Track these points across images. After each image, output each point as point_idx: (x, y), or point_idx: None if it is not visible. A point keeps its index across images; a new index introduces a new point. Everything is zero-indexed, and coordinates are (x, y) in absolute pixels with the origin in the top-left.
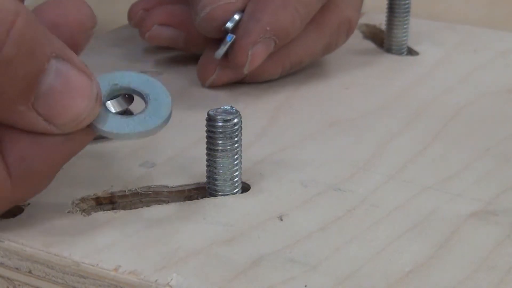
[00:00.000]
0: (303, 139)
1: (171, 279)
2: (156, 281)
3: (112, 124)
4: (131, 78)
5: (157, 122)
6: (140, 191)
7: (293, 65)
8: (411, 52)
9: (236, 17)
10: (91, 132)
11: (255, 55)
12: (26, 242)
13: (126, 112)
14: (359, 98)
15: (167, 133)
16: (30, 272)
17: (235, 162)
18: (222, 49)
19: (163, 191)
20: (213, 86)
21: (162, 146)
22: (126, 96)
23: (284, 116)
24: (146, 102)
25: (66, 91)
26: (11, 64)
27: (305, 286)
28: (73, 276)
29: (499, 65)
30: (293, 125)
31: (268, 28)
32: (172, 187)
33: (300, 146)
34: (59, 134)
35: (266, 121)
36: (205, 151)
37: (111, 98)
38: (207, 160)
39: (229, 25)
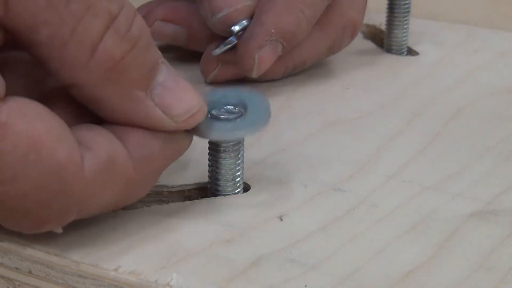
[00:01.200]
0: (303, 139)
1: (171, 279)
2: (156, 281)
3: (216, 127)
4: (227, 93)
5: (256, 126)
6: None
7: (296, 66)
8: (411, 52)
9: (245, 22)
10: (191, 136)
11: (262, 59)
12: (26, 242)
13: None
14: (359, 98)
15: None
16: (30, 272)
17: (238, 162)
18: (221, 49)
19: (163, 191)
20: (216, 82)
21: None
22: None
23: (284, 116)
24: (245, 110)
25: (178, 87)
26: (136, 45)
27: (305, 286)
28: (73, 276)
29: (499, 65)
30: (293, 125)
31: (273, 31)
32: (172, 187)
33: (300, 146)
34: (171, 129)
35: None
36: (207, 151)
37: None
38: (209, 160)
39: (235, 28)
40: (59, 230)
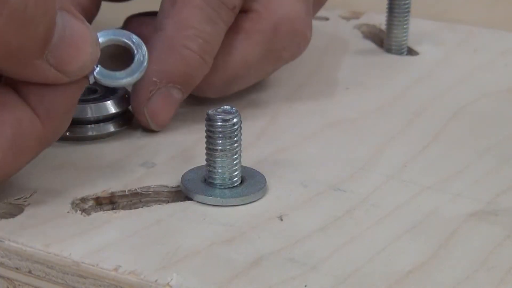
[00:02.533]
0: (303, 139)
1: (171, 279)
2: (156, 281)
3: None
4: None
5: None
6: (140, 191)
7: (228, 81)
8: (411, 52)
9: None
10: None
11: (154, 112)
12: (26, 242)
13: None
14: (359, 98)
15: (167, 133)
16: (30, 272)
17: (235, 162)
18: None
19: (163, 191)
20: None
21: (162, 146)
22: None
23: (284, 116)
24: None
25: (73, 41)
26: (32, 22)
27: (305, 286)
28: (73, 276)
29: (499, 65)
30: (293, 125)
31: (155, 79)
32: (172, 187)
33: (300, 146)
34: (65, 82)
35: (266, 121)
36: (205, 151)
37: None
38: (206, 160)
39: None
40: None
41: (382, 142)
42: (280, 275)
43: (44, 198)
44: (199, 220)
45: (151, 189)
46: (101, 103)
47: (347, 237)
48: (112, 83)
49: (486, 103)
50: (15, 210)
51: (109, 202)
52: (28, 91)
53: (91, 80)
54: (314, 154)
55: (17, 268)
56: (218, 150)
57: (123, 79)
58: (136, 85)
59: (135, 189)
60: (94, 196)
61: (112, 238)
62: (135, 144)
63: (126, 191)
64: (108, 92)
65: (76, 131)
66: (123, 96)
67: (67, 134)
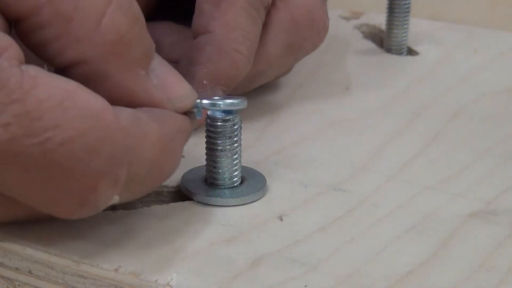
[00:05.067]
0: (303, 139)
1: (171, 279)
2: (156, 281)
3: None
4: None
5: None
6: None
7: (251, 77)
8: (411, 52)
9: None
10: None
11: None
12: (26, 242)
13: None
14: (359, 98)
15: None
16: (30, 272)
17: (235, 162)
18: None
19: (163, 191)
20: None
21: None
22: None
23: (284, 116)
24: None
25: (172, 72)
26: (138, 21)
27: (305, 286)
28: (73, 276)
29: (499, 65)
30: (293, 125)
31: (205, 82)
32: (172, 187)
33: (300, 146)
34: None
35: (266, 121)
36: (205, 151)
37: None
38: (206, 160)
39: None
40: (116, 198)
41: (382, 142)
42: (280, 275)
43: None
44: (199, 220)
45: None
46: None
47: (347, 237)
48: (230, 106)
49: (486, 103)
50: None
51: None
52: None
53: (198, 116)
54: (314, 154)
55: (17, 268)
56: (218, 150)
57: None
58: None
59: None
60: None
61: (112, 238)
62: None
63: None
64: None
65: None
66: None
67: None
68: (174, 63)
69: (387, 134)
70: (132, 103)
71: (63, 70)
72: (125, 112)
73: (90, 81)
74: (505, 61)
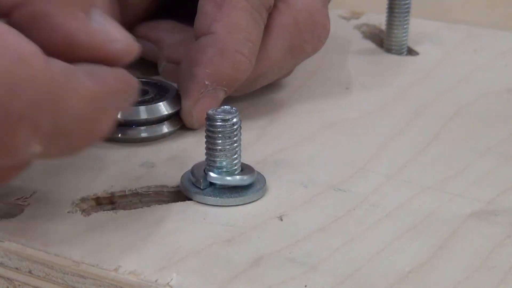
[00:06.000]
0: (303, 139)
1: (171, 279)
2: (156, 281)
3: None
4: None
5: None
6: (140, 191)
7: (253, 79)
8: (411, 52)
9: None
10: None
11: (200, 112)
12: (26, 242)
13: None
14: (359, 98)
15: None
16: (30, 272)
17: (234, 162)
18: None
19: (163, 191)
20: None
21: (162, 146)
22: None
23: (284, 116)
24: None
25: (112, 21)
26: None
27: (305, 286)
28: (73, 276)
29: (499, 65)
30: (293, 125)
31: (207, 83)
32: (172, 187)
33: (300, 146)
34: (112, 55)
35: (266, 121)
36: (205, 151)
37: None
38: (206, 160)
39: None
40: (37, 148)
41: (382, 142)
42: (280, 275)
43: (44, 198)
44: (199, 220)
45: (151, 189)
46: (153, 105)
47: (347, 237)
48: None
49: (486, 103)
50: (15, 210)
51: (109, 202)
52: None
53: None
54: (314, 154)
55: (17, 268)
56: (218, 150)
57: None
58: (187, 86)
59: (135, 189)
60: (94, 196)
61: (112, 238)
62: (135, 144)
63: (126, 191)
64: (160, 94)
65: (128, 133)
66: (175, 97)
67: (119, 135)
68: (176, 63)
69: (387, 134)
70: (72, 48)
71: (5, 16)
72: (58, 63)
73: (30, 26)
74: (505, 61)
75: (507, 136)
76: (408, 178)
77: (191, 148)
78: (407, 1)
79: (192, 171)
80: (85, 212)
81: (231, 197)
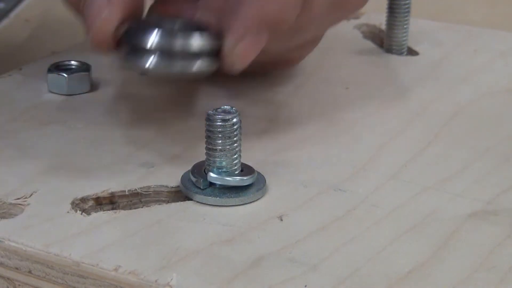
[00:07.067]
0: (303, 139)
1: (171, 279)
2: (156, 281)
3: None
4: None
5: None
6: (140, 191)
7: (290, 34)
8: (411, 52)
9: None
10: None
11: (243, 54)
12: (26, 242)
13: None
14: (359, 98)
15: (167, 133)
16: (30, 272)
17: (234, 162)
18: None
19: (163, 191)
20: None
21: (162, 146)
22: None
23: (284, 116)
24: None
25: None
26: None
27: (305, 286)
28: (73, 276)
29: (499, 65)
30: (293, 125)
31: (253, 21)
32: (172, 187)
33: (300, 146)
34: None
35: (266, 121)
36: (205, 151)
37: None
38: (206, 160)
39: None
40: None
41: (382, 142)
42: (280, 275)
43: (44, 198)
44: (199, 220)
45: (151, 189)
46: (190, 32)
47: (347, 237)
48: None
49: (486, 103)
50: (15, 210)
51: (109, 202)
52: None
53: None
54: (314, 154)
55: (17, 268)
56: (218, 150)
57: None
58: (231, 24)
59: (135, 189)
60: (94, 196)
61: (112, 238)
62: (135, 144)
63: (126, 191)
64: (201, 28)
65: (160, 64)
66: (214, 34)
67: (149, 66)
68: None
69: (387, 134)
70: None
71: None
72: None
73: None
74: (505, 61)
75: (507, 136)
76: (408, 178)
77: (191, 148)
78: (407, 1)
79: (192, 171)
80: (85, 212)
81: (231, 197)
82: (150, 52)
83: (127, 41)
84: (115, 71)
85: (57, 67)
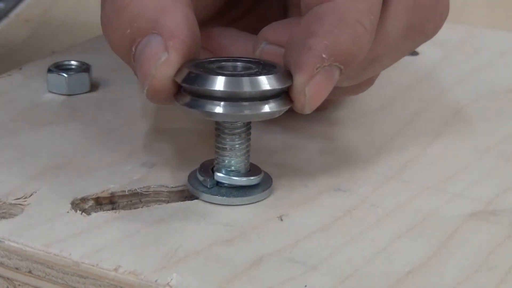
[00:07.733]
0: (304, 139)
1: (171, 279)
2: (156, 281)
3: None
4: None
5: None
6: (140, 191)
7: (367, 63)
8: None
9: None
10: None
11: (315, 92)
12: (26, 242)
13: None
14: (359, 97)
15: (167, 133)
16: (30, 272)
17: (243, 162)
18: None
19: (163, 191)
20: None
21: (162, 146)
22: None
23: (284, 116)
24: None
25: None
26: None
27: (305, 286)
28: (73, 276)
29: (499, 65)
30: (293, 125)
31: (324, 56)
32: (172, 187)
33: (300, 146)
34: None
35: (266, 121)
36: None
37: None
38: (215, 158)
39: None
40: None
41: (382, 142)
42: (280, 275)
43: (44, 198)
44: (199, 220)
45: (151, 189)
46: (258, 77)
47: (347, 237)
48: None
49: (486, 103)
50: (15, 210)
51: (109, 202)
52: None
53: None
54: (314, 154)
55: (17, 268)
56: (227, 149)
57: None
58: (300, 60)
59: (135, 189)
60: (94, 196)
61: (112, 238)
62: (135, 144)
63: (126, 191)
64: (266, 69)
65: (229, 109)
66: (283, 74)
67: (220, 112)
68: (278, 44)
69: (387, 134)
70: None
71: None
72: None
73: None
74: (505, 61)
75: (507, 136)
76: (408, 178)
77: (192, 148)
78: None
79: (199, 170)
80: (85, 212)
81: (238, 196)
82: (216, 98)
83: (189, 89)
84: (115, 71)
85: (57, 67)
